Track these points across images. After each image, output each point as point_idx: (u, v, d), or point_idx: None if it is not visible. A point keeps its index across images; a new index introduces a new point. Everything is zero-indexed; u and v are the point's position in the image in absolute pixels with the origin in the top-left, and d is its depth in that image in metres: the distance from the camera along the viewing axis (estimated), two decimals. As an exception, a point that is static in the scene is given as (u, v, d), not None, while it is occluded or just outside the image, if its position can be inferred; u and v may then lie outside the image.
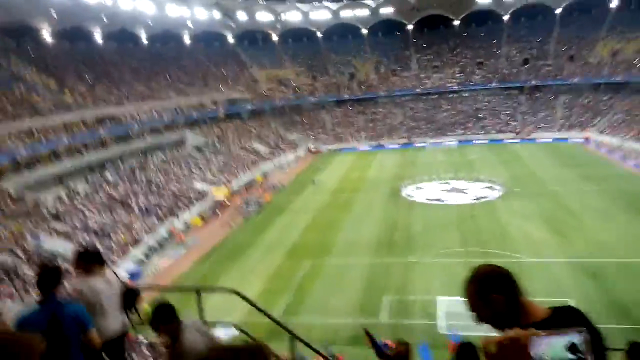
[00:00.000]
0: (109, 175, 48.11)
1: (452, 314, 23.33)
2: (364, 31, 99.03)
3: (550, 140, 70.76)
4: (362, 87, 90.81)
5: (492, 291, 1.87)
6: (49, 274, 4.25)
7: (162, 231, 41.00)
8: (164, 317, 4.15)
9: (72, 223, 36.93)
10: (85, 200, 41.54)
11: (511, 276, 1.92)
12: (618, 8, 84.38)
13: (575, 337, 1.26)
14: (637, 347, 4.41)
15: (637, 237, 32.56)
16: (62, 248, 31.68)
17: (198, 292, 5.77)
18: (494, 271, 1.94)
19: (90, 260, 4.81)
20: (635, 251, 30.20)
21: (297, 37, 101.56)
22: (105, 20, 72.06)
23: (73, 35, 71.12)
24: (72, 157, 47.53)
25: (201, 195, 50.23)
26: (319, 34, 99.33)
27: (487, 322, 1.90)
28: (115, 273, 5.27)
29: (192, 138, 66.67)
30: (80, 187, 43.86)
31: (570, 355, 1.25)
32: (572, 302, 19.20)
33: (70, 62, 63.10)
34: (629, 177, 49.14)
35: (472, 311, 1.94)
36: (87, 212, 39.34)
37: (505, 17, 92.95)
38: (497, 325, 1.86)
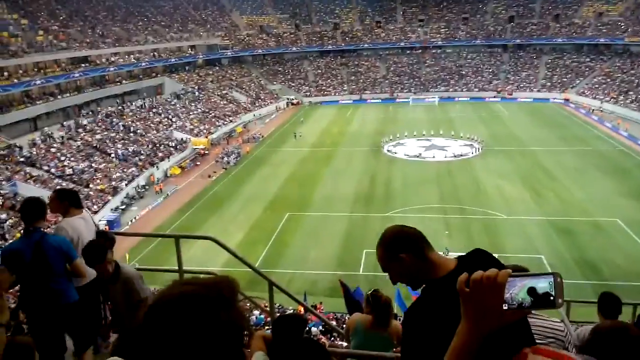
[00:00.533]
0: (85, 120, 46.85)
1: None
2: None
3: (531, 100, 71.18)
4: (346, 38, 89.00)
5: (400, 251, 1.90)
6: (32, 205, 4.29)
7: (140, 180, 40.54)
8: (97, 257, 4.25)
9: (47, 169, 36.19)
10: (61, 146, 40.57)
11: (417, 234, 1.96)
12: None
13: (548, 279, 1.27)
14: (606, 296, 4.79)
15: (609, 197, 33.57)
16: (37, 194, 31.12)
17: (177, 239, 5.72)
18: (400, 232, 1.99)
19: (69, 200, 4.78)
20: (606, 210, 31.19)
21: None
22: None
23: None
24: (46, 100, 46.01)
25: (180, 144, 49.52)
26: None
27: (400, 281, 1.95)
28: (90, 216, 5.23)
29: (171, 84, 65.02)
30: (56, 132, 42.71)
31: (530, 298, 1.27)
32: (544, 259, 19.78)
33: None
34: (605, 139, 50.09)
35: (385, 271, 1.98)
36: (63, 158, 38.53)
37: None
38: (411, 284, 1.93)
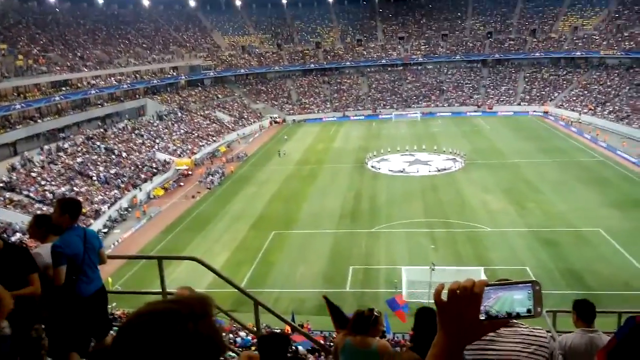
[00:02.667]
0: (65, 144, 46.32)
1: (413, 283, 23.95)
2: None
3: (511, 113, 72.29)
4: (328, 56, 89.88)
5: None
6: (76, 203, 4.80)
7: (123, 202, 40.05)
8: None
9: (27, 194, 35.60)
10: (41, 170, 39.99)
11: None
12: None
13: (527, 288, 1.25)
14: (581, 302, 4.96)
15: (591, 208, 34.00)
16: (17, 219, 30.63)
17: (159, 260, 5.64)
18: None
19: (46, 227, 4.79)
20: (589, 221, 31.55)
21: (262, 3, 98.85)
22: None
23: (23, -6, 67.24)
24: (26, 124, 45.49)
25: (164, 165, 49.17)
26: (284, 1, 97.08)
27: None
28: None
29: (153, 106, 64.79)
30: (36, 156, 42.12)
31: (519, 309, 1.25)
32: (529, 270, 19.88)
33: (22, 24, 59.60)
34: (585, 150, 50.94)
35: None
36: (43, 183, 37.95)
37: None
38: None
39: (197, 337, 1.10)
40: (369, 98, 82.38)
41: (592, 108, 64.91)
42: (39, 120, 47.42)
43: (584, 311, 4.89)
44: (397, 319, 18.04)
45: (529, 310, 1.25)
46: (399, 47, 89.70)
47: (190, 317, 1.11)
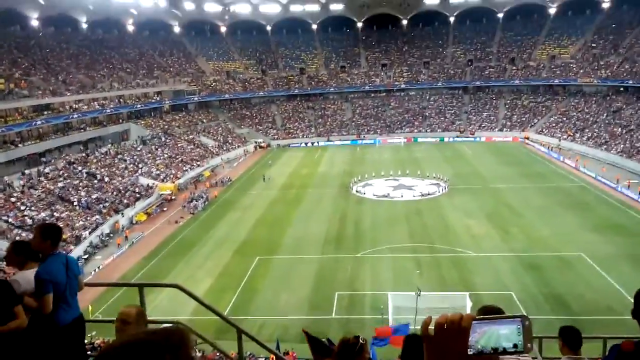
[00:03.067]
0: (47, 168, 45.67)
1: (399, 308, 23.79)
2: (314, 26, 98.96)
3: (493, 139, 73.47)
4: (312, 82, 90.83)
5: None
6: (57, 229, 4.63)
7: (105, 228, 39.41)
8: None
9: (6, 219, 34.86)
10: (21, 195, 39.26)
11: None
12: (556, 14, 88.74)
13: (516, 324, 1.23)
14: (567, 329, 4.90)
15: (573, 232, 34.40)
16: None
17: (140, 287, 5.52)
18: None
19: (24, 255, 4.68)
20: (571, 245, 31.88)
21: (246, 29, 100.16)
22: (42, 2, 68.19)
23: (6, 19, 67.00)
24: (6, 149, 44.84)
25: (146, 190, 48.67)
26: (268, 28, 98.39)
27: None
28: None
29: (137, 130, 64.47)
30: (16, 180, 41.41)
31: (505, 344, 1.22)
32: (513, 295, 19.85)
33: (4, 48, 59.28)
34: (566, 175, 51.80)
35: None
36: (23, 208, 37.24)
37: (451, 19, 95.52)
38: None
39: None
40: (353, 123, 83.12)
41: (572, 134, 66.33)
42: (19, 145, 46.78)
43: (570, 338, 4.85)
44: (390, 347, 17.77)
45: (515, 345, 1.22)
46: (382, 73, 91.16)
47: (167, 349, 1.12)
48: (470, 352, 1.23)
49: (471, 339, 1.23)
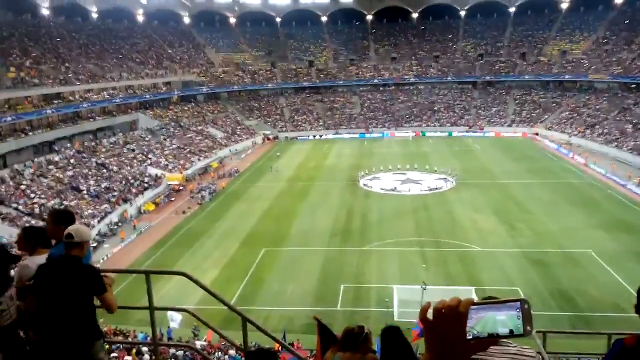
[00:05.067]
0: (56, 157, 46.01)
1: (404, 302, 23.85)
2: (324, 19, 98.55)
3: (502, 134, 73.03)
4: (321, 75, 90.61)
5: None
6: (70, 215, 4.66)
7: (113, 217, 39.71)
8: None
9: (16, 206, 35.21)
10: (30, 183, 39.62)
11: None
12: (567, 10, 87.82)
13: (515, 307, 1.24)
14: None
15: (581, 229, 34.21)
16: (5, 233, 30.23)
17: (147, 274, 5.54)
18: None
19: (36, 239, 4.72)
20: (579, 242, 31.73)
21: (256, 21, 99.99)
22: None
23: (17, 7, 67.29)
24: (16, 137, 45.19)
25: (155, 180, 48.93)
26: (277, 19, 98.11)
27: None
28: None
29: (145, 121, 64.69)
30: (26, 169, 41.76)
31: (501, 330, 1.24)
32: (520, 291, 19.83)
33: (15, 36, 59.58)
34: (575, 172, 51.44)
35: None
36: (32, 196, 37.58)
37: (462, 13, 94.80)
38: None
39: None
40: (362, 117, 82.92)
41: (582, 131, 65.77)
42: (29, 133, 47.12)
43: None
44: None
45: (511, 331, 1.23)
46: (391, 67, 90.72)
47: None
48: (469, 337, 1.24)
49: (468, 324, 1.24)
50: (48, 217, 4.78)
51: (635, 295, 2.45)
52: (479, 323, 1.24)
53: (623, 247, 30.73)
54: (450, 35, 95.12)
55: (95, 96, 58.58)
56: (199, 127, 70.51)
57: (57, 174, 42.65)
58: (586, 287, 25.79)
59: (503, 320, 1.24)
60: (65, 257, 4.13)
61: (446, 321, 1.25)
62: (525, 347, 2.44)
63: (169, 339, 20.25)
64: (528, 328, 1.23)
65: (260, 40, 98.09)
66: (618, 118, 63.99)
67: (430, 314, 1.28)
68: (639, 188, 42.89)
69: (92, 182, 43.42)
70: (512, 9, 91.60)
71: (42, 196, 38.03)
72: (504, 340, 1.77)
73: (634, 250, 30.00)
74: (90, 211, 38.37)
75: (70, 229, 4.23)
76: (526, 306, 1.25)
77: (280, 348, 12.79)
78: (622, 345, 2.26)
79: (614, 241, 31.73)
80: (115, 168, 48.07)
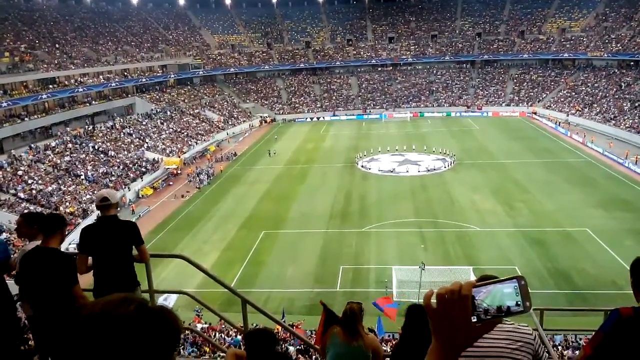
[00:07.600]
0: (53, 142, 45.84)
1: (403, 282, 24.05)
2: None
3: (500, 113, 72.81)
4: (318, 56, 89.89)
5: None
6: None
7: (111, 201, 39.66)
8: None
9: (14, 192, 35.18)
10: (28, 169, 39.53)
11: None
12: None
13: (512, 284, 1.27)
14: None
15: (578, 208, 34.34)
16: (3, 219, 30.27)
17: None
18: None
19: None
20: (576, 221, 31.87)
21: (252, 2, 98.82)
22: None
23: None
24: (12, 122, 44.94)
25: (152, 164, 48.84)
26: (273, 0, 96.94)
27: None
28: None
29: (142, 104, 64.32)
30: (23, 154, 41.63)
31: (509, 302, 1.26)
32: (517, 270, 20.03)
33: (9, 21, 58.83)
34: (573, 151, 51.44)
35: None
36: (30, 181, 37.52)
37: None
38: None
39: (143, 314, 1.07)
40: (359, 98, 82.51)
41: (580, 109, 65.59)
42: (25, 119, 46.86)
43: None
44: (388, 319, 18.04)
45: (517, 304, 1.26)
46: (389, 47, 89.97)
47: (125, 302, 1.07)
48: (473, 319, 1.25)
49: (477, 299, 1.25)
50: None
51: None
52: (488, 296, 1.26)
53: (620, 224, 30.90)
54: (448, 14, 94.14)
55: (91, 80, 58.13)
56: (196, 111, 70.16)
57: (54, 159, 42.52)
58: (584, 265, 25.99)
59: (510, 293, 1.27)
60: (106, 217, 4.80)
61: (450, 306, 1.25)
62: (522, 324, 2.45)
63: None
64: (527, 304, 1.25)
65: (256, 21, 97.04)
66: (616, 96, 63.77)
67: (433, 302, 1.28)
68: (636, 166, 42.96)
69: (89, 167, 43.33)
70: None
71: (40, 182, 37.97)
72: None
73: (632, 228, 30.17)
74: (88, 196, 38.34)
75: (104, 192, 4.87)
76: (523, 282, 1.27)
77: (280, 329, 12.91)
78: (618, 315, 2.28)
79: (611, 219, 31.90)
80: (112, 153, 47.92)
